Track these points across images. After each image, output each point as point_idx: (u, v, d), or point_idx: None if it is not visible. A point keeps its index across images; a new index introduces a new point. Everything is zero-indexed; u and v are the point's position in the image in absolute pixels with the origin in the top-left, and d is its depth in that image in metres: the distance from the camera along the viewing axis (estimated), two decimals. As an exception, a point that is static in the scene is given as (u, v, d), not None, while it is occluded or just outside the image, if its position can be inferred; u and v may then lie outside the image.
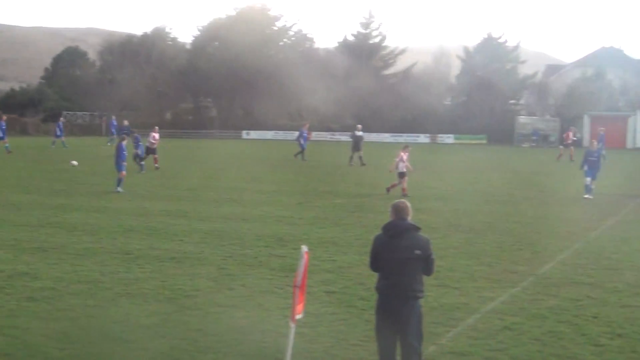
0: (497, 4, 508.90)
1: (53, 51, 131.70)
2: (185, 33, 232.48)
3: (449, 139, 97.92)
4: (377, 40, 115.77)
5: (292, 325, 9.79)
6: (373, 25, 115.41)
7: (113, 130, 73.13)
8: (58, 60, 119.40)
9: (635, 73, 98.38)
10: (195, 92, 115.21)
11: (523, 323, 13.30)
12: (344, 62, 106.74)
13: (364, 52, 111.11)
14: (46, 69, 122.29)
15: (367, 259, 10.57)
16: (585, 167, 33.03)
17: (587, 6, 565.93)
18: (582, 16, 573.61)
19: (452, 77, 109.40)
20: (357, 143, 51.49)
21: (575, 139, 63.02)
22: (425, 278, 10.02)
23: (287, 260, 18.20)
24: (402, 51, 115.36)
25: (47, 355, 11.49)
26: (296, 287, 9.73)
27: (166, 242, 20.77)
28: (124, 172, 32.91)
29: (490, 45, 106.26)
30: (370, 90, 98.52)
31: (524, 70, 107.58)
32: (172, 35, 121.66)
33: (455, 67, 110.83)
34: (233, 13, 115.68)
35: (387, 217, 10.24)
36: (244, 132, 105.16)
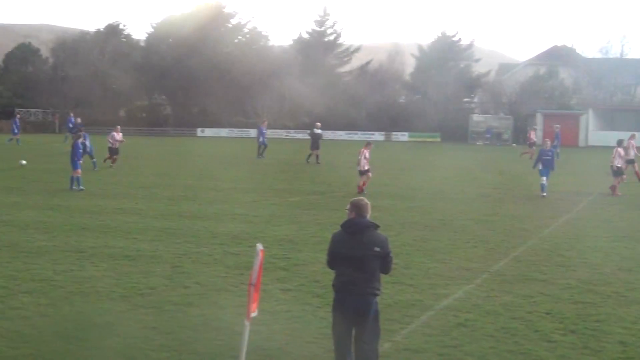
0: (451, 3, 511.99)
1: (5, 48, 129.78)
2: (139, 30, 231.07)
3: (403, 136, 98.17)
4: (332, 37, 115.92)
5: (247, 323, 9.77)
6: (328, 23, 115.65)
7: (71, 127, 72.36)
8: (10, 56, 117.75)
9: (587, 72, 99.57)
10: (149, 90, 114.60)
11: (477, 320, 13.39)
12: (299, 60, 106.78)
13: (319, 50, 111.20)
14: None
15: (322, 256, 10.59)
16: (540, 166, 33.22)
17: (540, 5, 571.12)
18: (535, 15, 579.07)
19: (406, 75, 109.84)
20: (315, 141, 51.49)
21: (534, 139, 63.67)
22: (381, 276, 10.05)
23: (242, 258, 18.17)
24: (357, 49, 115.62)
25: (-1, 355, 11.38)
26: (251, 285, 9.71)
27: (120, 240, 20.64)
28: (79, 171, 32.63)
29: (444, 44, 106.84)
30: (326, 87, 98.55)
31: (478, 68, 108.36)
32: (125, 32, 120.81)
33: (410, 65, 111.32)
34: (187, 10, 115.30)
35: (342, 215, 10.27)
36: (199, 129, 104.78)
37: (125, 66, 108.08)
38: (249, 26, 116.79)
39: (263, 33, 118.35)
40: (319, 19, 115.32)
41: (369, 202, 10.18)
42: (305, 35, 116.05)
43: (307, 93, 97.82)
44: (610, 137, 78.59)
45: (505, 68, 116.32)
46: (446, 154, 66.59)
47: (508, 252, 19.61)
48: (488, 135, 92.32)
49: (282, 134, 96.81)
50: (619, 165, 33.95)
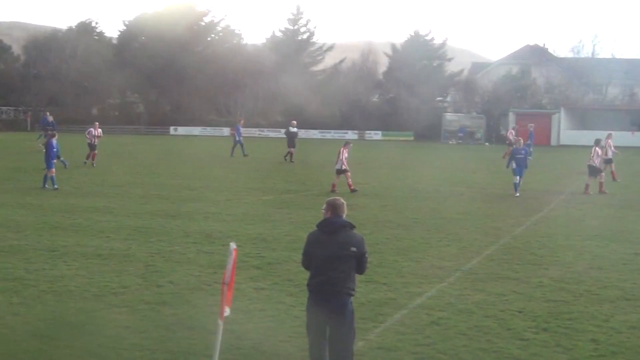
0: (424, 2, 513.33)
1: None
2: (111, 28, 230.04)
3: (376, 135, 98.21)
4: (305, 36, 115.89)
5: (220, 322, 9.75)
6: (301, 22, 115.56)
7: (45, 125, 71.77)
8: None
9: (558, 71, 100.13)
10: (122, 88, 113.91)
11: (450, 318, 13.44)
12: (272, 58, 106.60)
13: (292, 48, 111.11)
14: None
15: (296, 255, 10.59)
16: (513, 165, 33.27)
17: (513, 5, 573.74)
18: (508, 15, 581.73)
19: (379, 74, 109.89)
20: (291, 139, 51.54)
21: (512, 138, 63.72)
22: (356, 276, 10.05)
23: (216, 257, 18.15)
24: (330, 47, 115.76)
25: (-30, 355, 11.30)
26: (224, 284, 9.70)
27: (93, 239, 20.55)
28: (53, 170, 32.47)
29: (417, 43, 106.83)
30: (299, 86, 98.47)
31: (451, 67, 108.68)
32: (98, 30, 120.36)
33: (383, 64, 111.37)
34: (160, 8, 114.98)
35: (316, 213, 10.28)
36: (172, 128, 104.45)
37: (97, 64, 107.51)
38: (222, 24, 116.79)
39: (236, 31, 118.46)
40: (292, 17, 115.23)
41: (344, 202, 10.17)
42: (279, 34, 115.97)
43: (281, 92, 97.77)
44: (582, 137, 79.20)
45: (478, 67, 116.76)
46: (419, 153, 66.82)
47: (481, 251, 19.70)
48: (461, 134, 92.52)
49: (255, 132, 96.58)
50: (595, 165, 34.12)
